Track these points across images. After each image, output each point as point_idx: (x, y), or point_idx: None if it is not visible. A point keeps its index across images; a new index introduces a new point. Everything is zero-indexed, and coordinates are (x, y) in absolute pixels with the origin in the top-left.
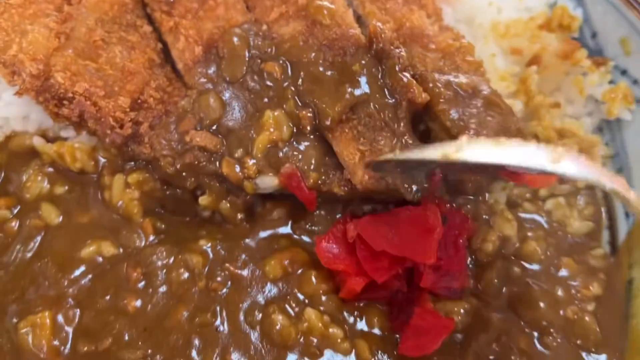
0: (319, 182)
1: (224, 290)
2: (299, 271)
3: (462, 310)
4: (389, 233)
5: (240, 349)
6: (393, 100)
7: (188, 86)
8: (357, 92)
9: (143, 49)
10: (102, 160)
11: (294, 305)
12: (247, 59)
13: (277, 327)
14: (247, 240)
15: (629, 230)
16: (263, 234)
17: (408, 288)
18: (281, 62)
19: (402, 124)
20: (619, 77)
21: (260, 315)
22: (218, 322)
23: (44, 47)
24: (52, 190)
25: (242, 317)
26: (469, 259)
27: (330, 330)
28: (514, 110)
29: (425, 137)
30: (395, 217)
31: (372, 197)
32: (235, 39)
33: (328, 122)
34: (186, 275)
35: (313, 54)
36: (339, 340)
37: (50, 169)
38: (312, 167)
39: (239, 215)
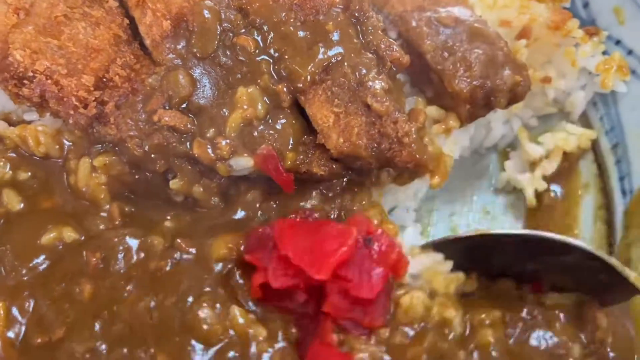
0: (297, 162)
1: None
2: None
3: (366, 355)
4: (301, 240)
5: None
6: (373, 56)
7: (157, 63)
8: (331, 52)
9: (108, 25)
10: (68, 143)
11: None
12: (218, 33)
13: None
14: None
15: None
16: (236, 217)
17: (315, 313)
18: (251, 27)
19: (380, 84)
20: (613, 47)
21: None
22: (153, 305)
23: (2, 24)
24: (14, 175)
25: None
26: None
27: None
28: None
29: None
30: (319, 227)
31: (351, 168)
32: (205, 12)
33: (300, 84)
34: (142, 255)
35: (284, 14)
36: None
37: (13, 154)
38: (289, 146)
39: (213, 199)
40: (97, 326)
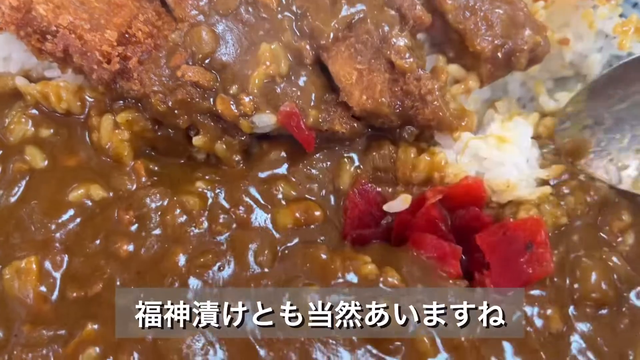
0: (320, 119)
1: (227, 233)
2: (312, 226)
3: None
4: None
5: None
6: (396, 14)
7: (178, 20)
8: (354, 9)
9: None
10: (89, 100)
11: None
12: None
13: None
14: (245, 183)
15: None
16: (262, 176)
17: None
18: None
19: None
20: (630, 10)
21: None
22: (221, 263)
23: None
24: (37, 133)
25: (251, 258)
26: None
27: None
28: None
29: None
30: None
31: (372, 126)
32: None
33: (323, 41)
34: (183, 218)
35: None
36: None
37: (35, 111)
38: (311, 103)
39: (235, 157)
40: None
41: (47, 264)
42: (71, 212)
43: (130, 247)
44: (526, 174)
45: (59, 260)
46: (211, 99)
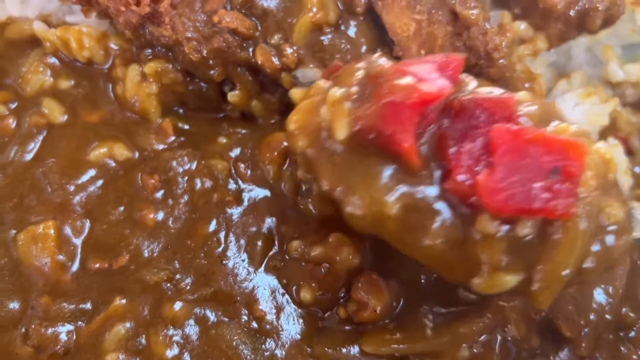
0: None
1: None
2: None
3: None
4: None
5: None
6: None
7: None
8: None
9: None
10: (114, 48)
11: None
12: None
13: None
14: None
15: None
16: None
17: None
18: None
19: None
20: None
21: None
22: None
23: None
24: (55, 84)
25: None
26: None
27: None
28: None
29: None
30: None
31: None
32: None
33: None
34: (209, 184)
35: None
36: None
37: (54, 60)
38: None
39: (273, 118)
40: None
41: (67, 230)
42: (92, 172)
43: (159, 216)
44: None
45: (79, 225)
46: (250, 49)
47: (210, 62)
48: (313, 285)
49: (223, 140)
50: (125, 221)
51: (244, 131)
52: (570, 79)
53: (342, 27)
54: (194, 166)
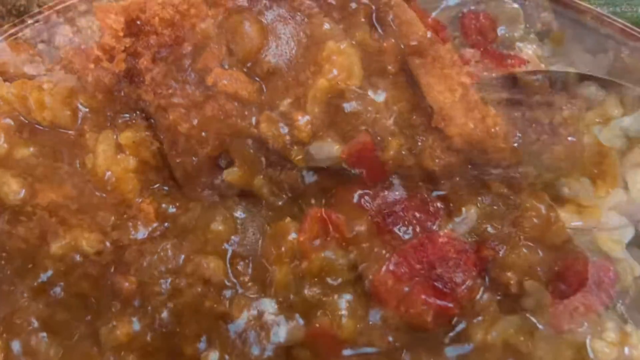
0: (402, 152)
1: None
2: None
3: None
4: None
5: None
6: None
7: (211, 4)
8: None
9: None
10: (83, 109)
11: None
12: None
13: None
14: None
15: None
16: None
17: None
18: None
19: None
20: None
21: None
22: None
23: None
24: (10, 152)
25: None
26: None
27: None
28: None
29: None
30: None
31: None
32: None
33: (415, 41)
34: (199, 288)
35: None
36: None
37: (9, 121)
38: (391, 129)
39: (279, 200)
40: None
41: (16, 346)
42: (50, 272)
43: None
44: None
45: (35, 342)
46: (253, 118)
47: (203, 134)
48: None
49: (218, 227)
50: (88, 338)
51: (244, 215)
52: None
53: (369, 92)
54: (180, 262)
